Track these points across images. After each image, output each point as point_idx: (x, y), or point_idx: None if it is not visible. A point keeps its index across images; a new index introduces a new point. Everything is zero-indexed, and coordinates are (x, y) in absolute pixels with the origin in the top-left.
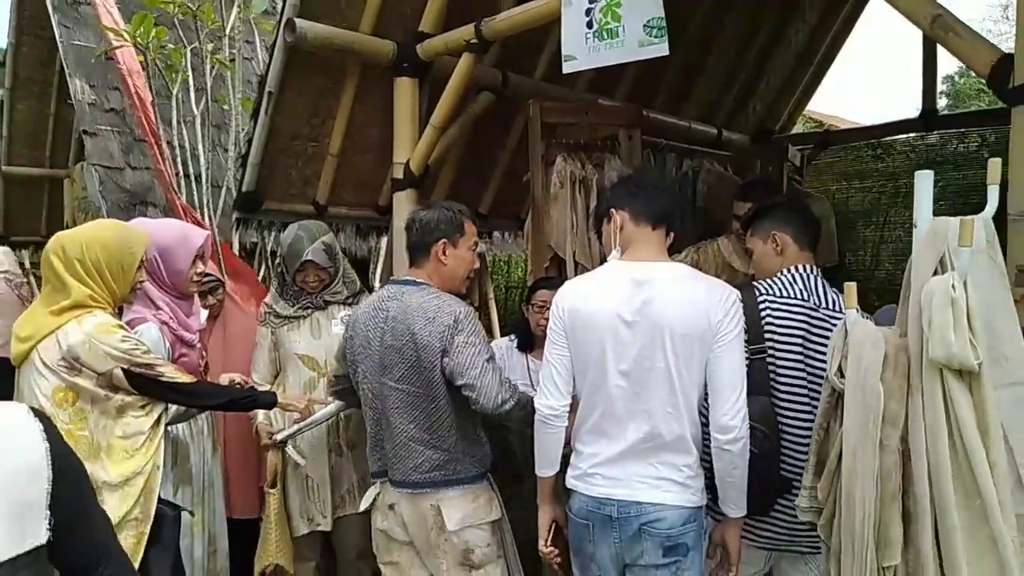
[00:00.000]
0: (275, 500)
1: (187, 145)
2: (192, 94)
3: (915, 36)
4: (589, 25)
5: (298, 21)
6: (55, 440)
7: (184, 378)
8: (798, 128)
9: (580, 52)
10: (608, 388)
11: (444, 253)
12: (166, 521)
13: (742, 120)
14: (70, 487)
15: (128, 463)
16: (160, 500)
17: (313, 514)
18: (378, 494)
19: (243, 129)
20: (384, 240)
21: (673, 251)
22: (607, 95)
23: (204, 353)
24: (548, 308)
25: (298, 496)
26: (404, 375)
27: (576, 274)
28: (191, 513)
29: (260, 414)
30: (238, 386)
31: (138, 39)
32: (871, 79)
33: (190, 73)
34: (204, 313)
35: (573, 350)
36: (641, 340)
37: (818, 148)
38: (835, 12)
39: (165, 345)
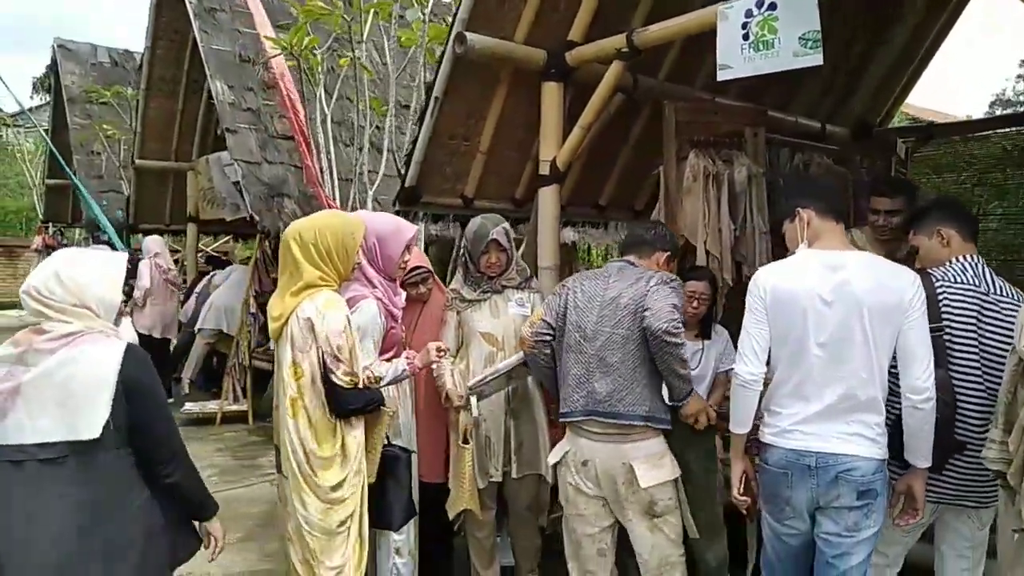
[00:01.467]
0: (469, 454)
1: (321, 142)
2: (321, 95)
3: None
4: (745, 37)
5: (467, 34)
6: (130, 367)
7: (345, 381)
8: (894, 122)
9: (735, 62)
10: (808, 357)
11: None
12: (400, 462)
13: (843, 115)
14: (133, 403)
15: (330, 443)
16: (390, 444)
17: (488, 468)
18: (567, 451)
19: (371, 127)
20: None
21: None
22: (720, 93)
23: (403, 328)
24: (696, 298)
25: (477, 452)
26: (620, 320)
27: (708, 262)
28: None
29: (447, 379)
30: (440, 354)
31: (293, 47)
32: (959, 70)
33: (321, 77)
34: (403, 295)
35: (772, 325)
36: (839, 316)
37: (921, 141)
38: (938, 10)
39: (381, 318)
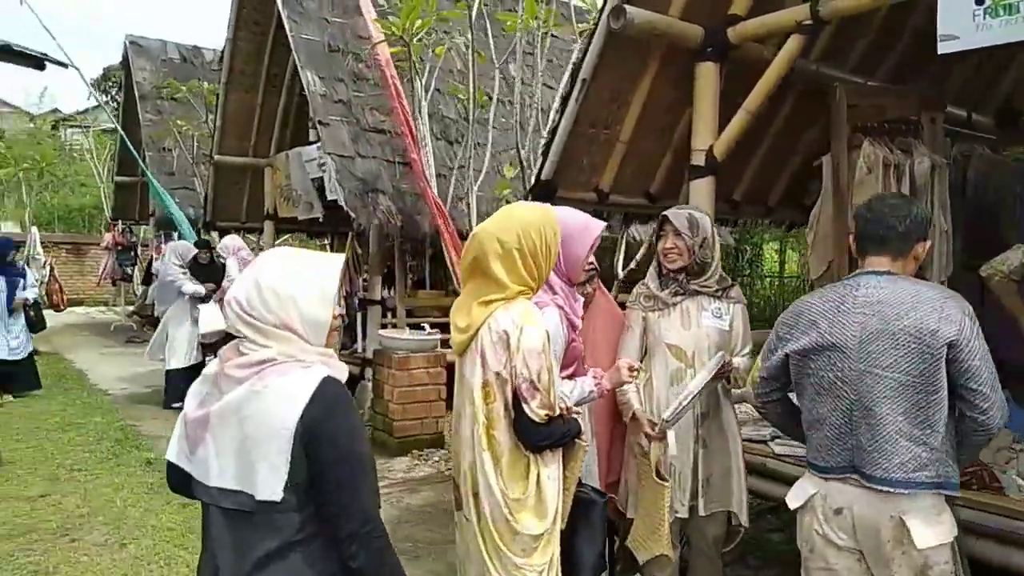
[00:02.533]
0: (668, 492)
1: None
2: (420, 86)
3: None
4: (979, 2)
5: (627, 7)
6: (315, 409)
7: (539, 416)
8: None
9: (964, 31)
10: None
11: (919, 253)
12: (596, 508)
13: (988, 102)
14: (315, 455)
15: (523, 483)
16: (581, 484)
17: (674, 503)
18: (814, 494)
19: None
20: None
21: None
22: (869, 76)
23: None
24: None
25: None
26: (895, 362)
27: None
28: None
29: (633, 399)
30: (633, 374)
31: (404, 32)
32: None
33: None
34: (582, 301)
35: None
36: None
37: None
38: None
39: (563, 329)
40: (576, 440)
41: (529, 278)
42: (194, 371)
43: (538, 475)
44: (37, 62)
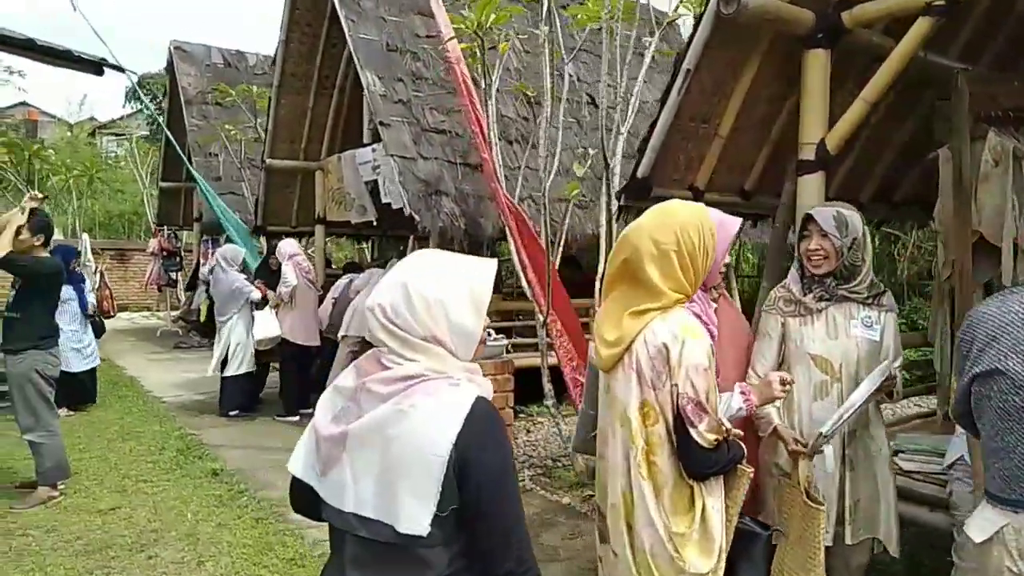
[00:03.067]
0: (822, 516)
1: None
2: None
3: None
4: None
5: None
6: (470, 434)
7: (708, 441)
8: None
9: None
10: None
11: None
12: (759, 541)
13: None
14: (468, 486)
15: (687, 515)
16: (741, 515)
17: None
18: (1004, 526)
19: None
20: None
21: None
22: (973, 62)
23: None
24: None
25: None
26: None
27: (1015, 261)
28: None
29: (773, 413)
30: (785, 388)
31: (478, 27)
32: None
33: (498, 63)
34: (714, 307)
35: None
36: None
37: None
38: None
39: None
40: (739, 465)
41: (686, 283)
42: (249, 379)
43: (703, 506)
44: (96, 67)
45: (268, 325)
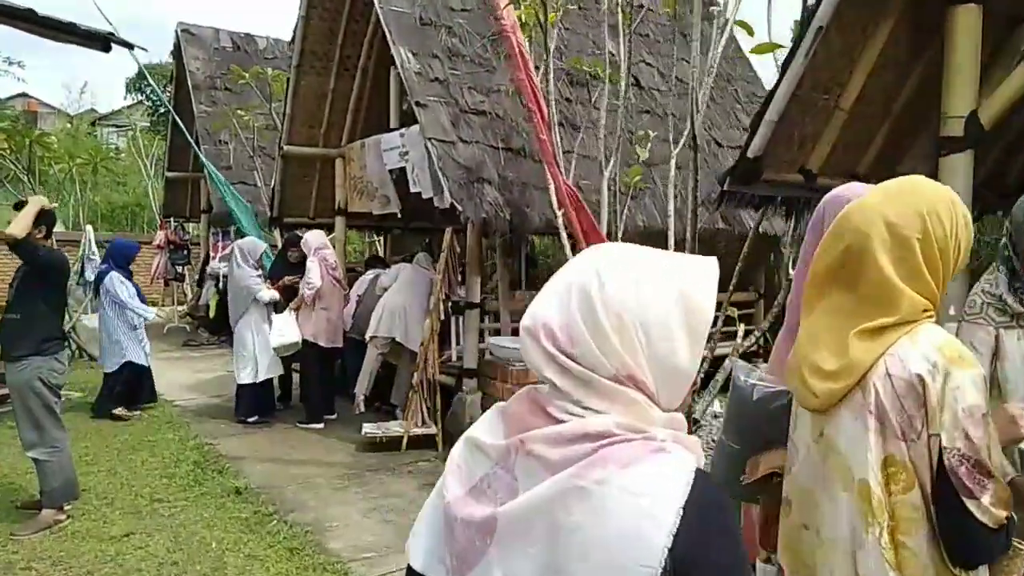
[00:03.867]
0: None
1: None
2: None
3: None
4: None
5: None
6: (692, 527)
7: (992, 518)
8: None
9: None
10: None
11: None
12: None
13: None
14: None
15: None
16: None
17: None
18: None
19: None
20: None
21: None
22: None
23: None
24: None
25: None
26: None
27: None
28: None
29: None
30: None
31: None
32: None
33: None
34: None
35: None
36: None
37: None
38: None
39: None
40: (1013, 542)
41: (933, 286)
42: (266, 384)
43: None
44: (104, 43)
45: (286, 330)
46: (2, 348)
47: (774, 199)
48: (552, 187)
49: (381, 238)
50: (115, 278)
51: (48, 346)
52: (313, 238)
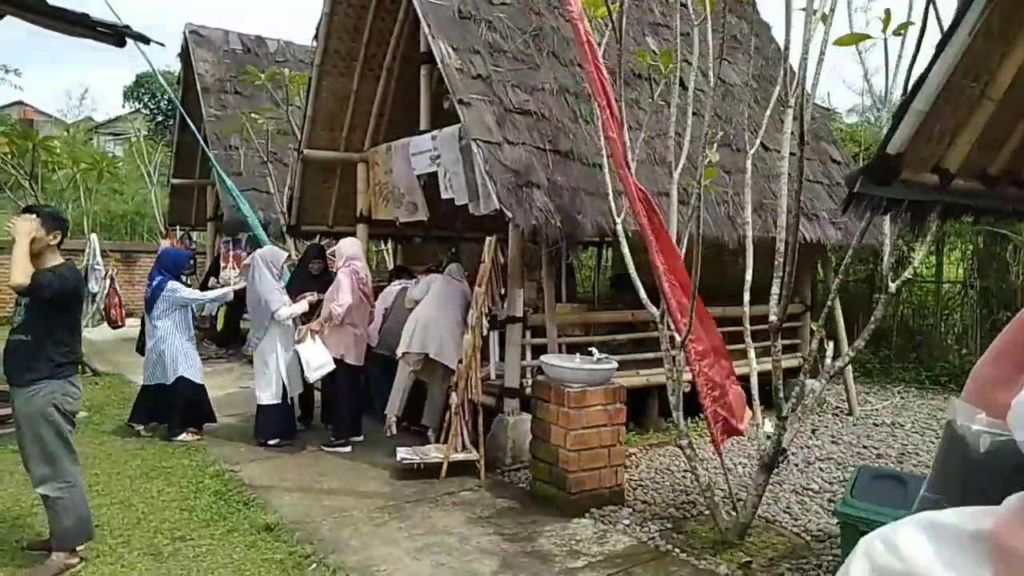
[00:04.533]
0: None
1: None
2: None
3: None
4: None
5: None
6: None
7: None
8: None
9: None
10: None
11: None
12: None
13: None
14: None
15: None
16: None
17: None
18: None
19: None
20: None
21: None
22: None
23: None
24: None
25: None
26: None
27: None
28: None
29: None
30: None
31: None
32: None
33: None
34: None
35: None
36: None
37: None
38: None
39: None
40: None
41: None
42: (288, 404)
43: None
44: (118, 38)
45: (318, 361)
46: (10, 372)
47: (901, 203)
48: (611, 190)
49: (388, 247)
50: (175, 285)
51: (63, 369)
52: (347, 246)
